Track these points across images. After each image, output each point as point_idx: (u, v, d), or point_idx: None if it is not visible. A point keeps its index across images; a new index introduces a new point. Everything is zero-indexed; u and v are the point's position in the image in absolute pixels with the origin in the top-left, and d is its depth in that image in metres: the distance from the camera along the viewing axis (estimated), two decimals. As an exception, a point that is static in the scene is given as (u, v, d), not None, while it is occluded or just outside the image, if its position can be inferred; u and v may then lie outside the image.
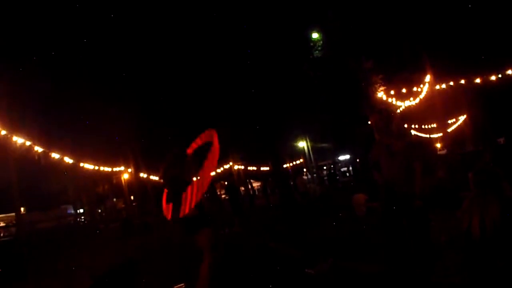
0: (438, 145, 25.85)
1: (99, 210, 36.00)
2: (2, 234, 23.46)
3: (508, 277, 3.80)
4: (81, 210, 36.46)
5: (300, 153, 35.96)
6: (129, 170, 23.92)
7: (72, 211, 36.21)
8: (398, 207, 5.12)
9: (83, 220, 33.32)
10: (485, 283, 3.93)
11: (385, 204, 5.32)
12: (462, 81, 13.40)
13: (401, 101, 13.76)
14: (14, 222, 24.20)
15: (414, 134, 20.02)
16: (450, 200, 7.58)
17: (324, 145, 33.90)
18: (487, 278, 3.95)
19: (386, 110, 5.74)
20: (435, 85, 13.58)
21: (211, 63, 16.60)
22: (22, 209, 20.84)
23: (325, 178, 39.29)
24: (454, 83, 13.58)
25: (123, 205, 35.19)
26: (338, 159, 46.57)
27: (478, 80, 13.18)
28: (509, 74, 12.54)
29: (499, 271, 3.90)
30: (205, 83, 17.57)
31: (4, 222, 30.02)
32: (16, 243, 15.09)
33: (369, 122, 5.26)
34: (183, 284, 5.78)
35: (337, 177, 33.43)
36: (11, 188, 13.67)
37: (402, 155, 5.18)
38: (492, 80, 12.94)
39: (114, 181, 29.18)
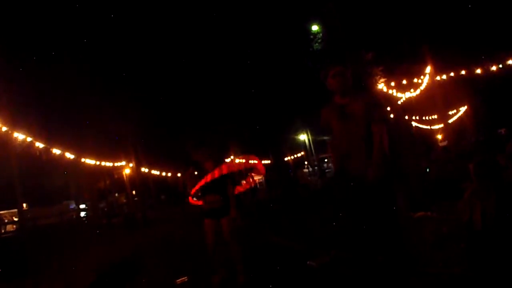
0: (439, 137, 25.84)
1: (101, 205, 36.09)
2: (3, 230, 23.48)
3: (509, 268, 3.81)
4: (83, 206, 36.52)
5: (301, 146, 35.98)
6: (131, 164, 23.97)
7: (74, 207, 36.28)
8: (353, 193, 3.88)
9: (85, 215, 33.35)
10: (487, 273, 3.94)
11: (337, 189, 4.18)
12: (463, 72, 13.38)
13: (402, 93, 13.74)
14: (16, 218, 24.28)
15: (415, 126, 20.00)
16: (451, 191, 7.59)
17: (325, 137, 33.87)
18: (488, 269, 3.96)
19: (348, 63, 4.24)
20: (436, 76, 13.55)
21: (211, 57, 16.57)
22: (24, 205, 20.90)
23: (327, 171, 39.22)
24: (454, 74, 13.55)
25: (125, 200, 35.28)
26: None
27: (478, 71, 13.16)
28: (509, 64, 12.52)
29: (500, 262, 3.92)
30: (205, 77, 17.55)
31: (7, 218, 30.07)
32: (18, 239, 15.13)
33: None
34: (185, 277, 5.81)
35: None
36: (13, 184, 13.71)
37: (360, 119, 3.87)
38: (493, 71, 12.92)
39: (116, 176, 29.27)
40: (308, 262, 5.58)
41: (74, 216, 30.97)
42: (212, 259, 5.66)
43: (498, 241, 4.03)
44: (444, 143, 23.41)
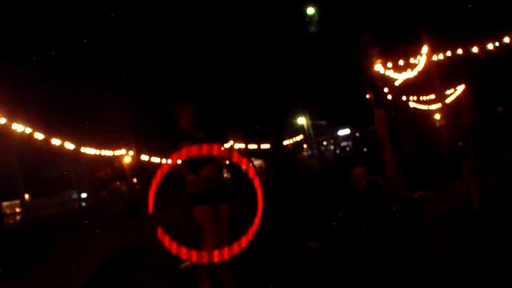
0: (437, 117, 25.85)
1: (103, 194, 36.24)
2: (7, 222, 23.64)
3: (507, 245, 3.88)
4: (85, 195, 36.65)
5: (299, 129, 36.04)
6: (131, 153, 24.03)
7: (76, 196, 36.42)
8: None
9: (87, 204, 33.51)
10: (485, 250, 4.01)
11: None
12: (460, 51, 13.36)
13: (399, 73, 13.73)
14: (19, 209, 24.40)
15: (413, 107, 20.03)
16: (450, 169, 7.66)
17: (322, 122, 33.94)
18: (487, 246, 4.03)
19: None
20: (433, 56, 13.54)
21: (209, 40, 16.49)
22: (26, 195, 21.02)
23: (326, 153, 39.24)
24: (451, 53, 13.53)
25: (126, 188, 35.42)
26: (338, 134, 46.63)
27: (475, 49, 13.15)
28: (506, 42, 12.50)
29: (499, 239, 3.98)
30: (204, 61, 17.47)
31: (10, 209, 30.24)
32: (21, 229, 15.26)
33: None
34: (189, 262, 5.86)
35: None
36: (14, 175, 13.79)
37: None
38: (490, 49, 12.90)
39: (116, 164, 29.31)
40: (309, 244, 5.66)
41: (76, 206, 31.14)
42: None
43: (495, 219, 4.09)
44: (442, 123, 23.48)
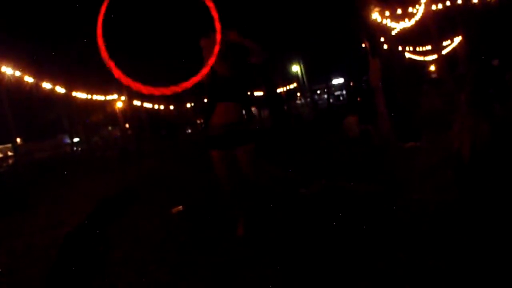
0: (432, 68, 25.68)
1: (95, 139, 36.20)
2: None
3: (495, 195, 3.94)
4: (77, 139, 36.61)
5: (293, 77, 35.76)
6: (123, 98, 23.83)
7: (68, 140, 36.38)
8: None
9: (79, 149, 33.49)
10: (474, 200, 4.08)
11: None
12: (459, 1, 13.10)
13: (396, 23, 13.50)
14: (11, 153, 24.41)
15: (408, 58, 19.83)
16: (440, 122, 7.69)
17: (317, 69, 33.63)
18: (475, 195, 4.09)
19: None
20: (431, 5, 13.28)
21: None
22: (18, 139, 20.96)
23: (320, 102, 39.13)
24: (450, 3, 13.27)
25: (118, 133, 35.41)
26: (332, 84, 46.36)
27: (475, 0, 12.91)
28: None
29: (487, 189, 4.05)
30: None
31: (1, 153, 30.22)
32: (14, 173, 15.31)
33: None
34: (181, 206, 5.94)
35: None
36: (6, 119, 13.69)
37: None
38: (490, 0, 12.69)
39: (108, 109, 29.14)
40: (300, 190, 5.72)
41: (68, 150, 31.16)
42: (232, 200, 4.37)
43: (484, 172, 4.14)
44: (435, 75, 23.37)
